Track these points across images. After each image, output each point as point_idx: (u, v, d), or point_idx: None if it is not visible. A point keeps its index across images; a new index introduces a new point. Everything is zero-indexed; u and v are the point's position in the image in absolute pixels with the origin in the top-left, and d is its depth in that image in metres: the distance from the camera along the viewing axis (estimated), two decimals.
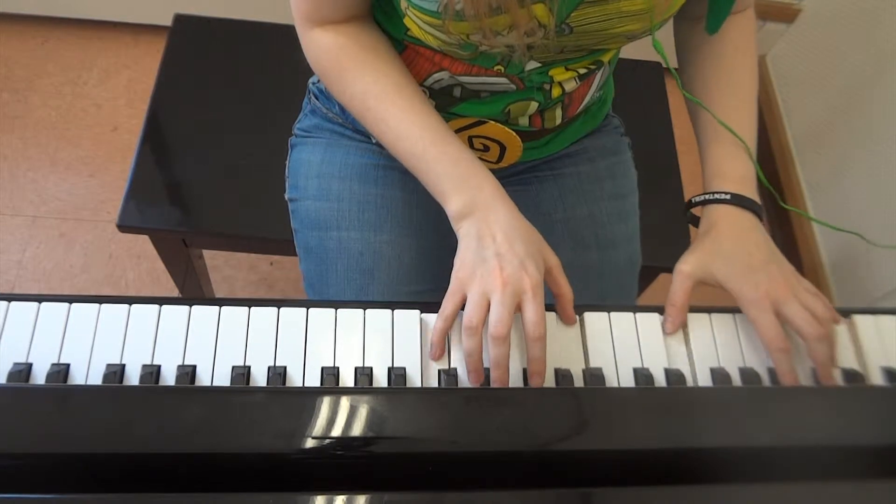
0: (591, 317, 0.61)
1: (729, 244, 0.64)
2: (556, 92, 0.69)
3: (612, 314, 0.61)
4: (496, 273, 0.56)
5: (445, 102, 0.72)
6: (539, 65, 0.65)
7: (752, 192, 0.66)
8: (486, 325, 0.56)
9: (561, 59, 0.66)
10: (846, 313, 0.63)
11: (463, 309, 0.58)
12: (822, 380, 0.59)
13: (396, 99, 0.64)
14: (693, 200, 0.69)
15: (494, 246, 0.58)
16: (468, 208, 0.60)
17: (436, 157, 0.62)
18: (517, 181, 0.84)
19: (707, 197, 0.67)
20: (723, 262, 0.62)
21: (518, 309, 0.56)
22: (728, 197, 0.65)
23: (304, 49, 0.68)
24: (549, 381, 0.58)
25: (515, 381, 0.58)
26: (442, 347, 0.58)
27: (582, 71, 0.68)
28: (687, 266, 0.63)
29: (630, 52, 0.79)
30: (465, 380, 0.57)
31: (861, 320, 0.63)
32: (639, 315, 0.62)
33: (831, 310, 0.61)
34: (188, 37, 1.13)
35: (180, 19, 1.14)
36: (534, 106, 0.70)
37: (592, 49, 0.65)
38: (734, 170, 0.67)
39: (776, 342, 0.58)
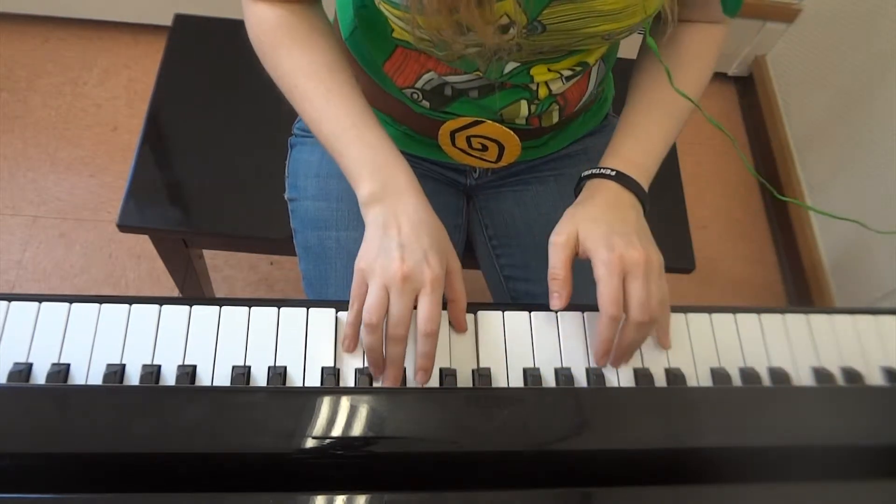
0: (591, 317, 0.61)
1: (597, 210, 0.62)
2: (542, 92, 0.69)
3: None
4: (397, 265, 0.55)
5: (439, 102, 0.72)
6: (518, 64, 0.65)
7: (642, 180, 0.65)
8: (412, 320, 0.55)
9: (540, 59, 0.65)
10: (847, 313, 0.63)
11: None
12: (597, 360, 0.58)
13: (326, 79, 0.63)
14: (582, 176, 0.67)
15: (399, 237, 0.57)
16: (378, 195, 0.60)
17: (353, 140, 0.61)
18: (517, 181, 0.84)
19: (593, 171, 0.65)
20: (587, 223, 0.60)
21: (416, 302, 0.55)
22: (613, 174, 0.64)
23: (245, 21, 0.67)
24: (551, 382, 0.58)
25: (517, 380, 0.58)
26: (353, 339, 0.57)
27: (566, 73, 0.68)
28: (559, 237, 0.61)
29: (630, 51, 0.79)
30: (465, 380, 0.57)
31: (861, 320, 0.63)
32: None
33: (666, 318, 0.59)
34: (188, 37, 1.12)
35: (180, 19, 1.14)
36: (524, 106, 0.70)
37: (570, 49, 0.65)
38: (633, 154, 0.66)
39: (612, 308, 0.56)
